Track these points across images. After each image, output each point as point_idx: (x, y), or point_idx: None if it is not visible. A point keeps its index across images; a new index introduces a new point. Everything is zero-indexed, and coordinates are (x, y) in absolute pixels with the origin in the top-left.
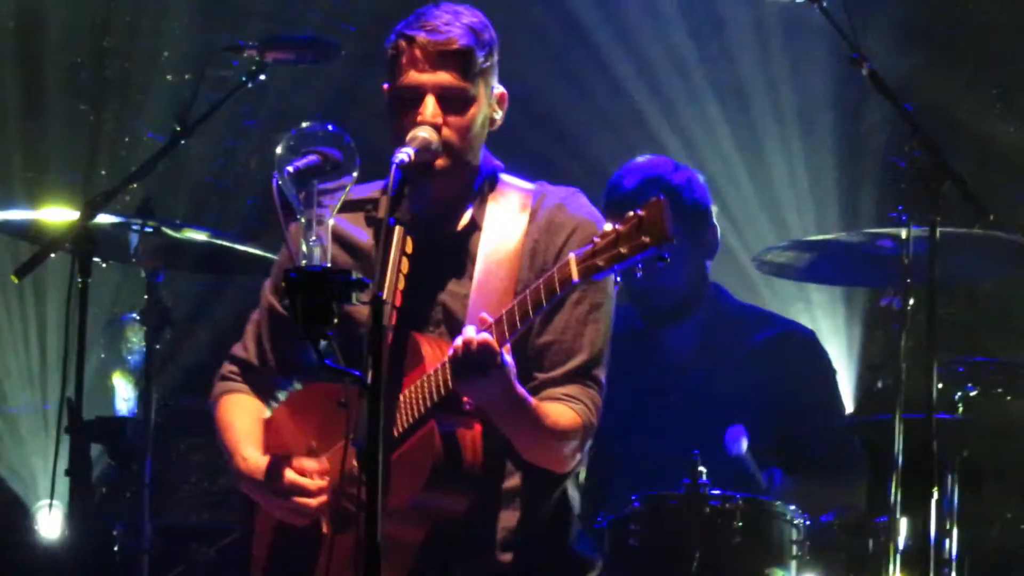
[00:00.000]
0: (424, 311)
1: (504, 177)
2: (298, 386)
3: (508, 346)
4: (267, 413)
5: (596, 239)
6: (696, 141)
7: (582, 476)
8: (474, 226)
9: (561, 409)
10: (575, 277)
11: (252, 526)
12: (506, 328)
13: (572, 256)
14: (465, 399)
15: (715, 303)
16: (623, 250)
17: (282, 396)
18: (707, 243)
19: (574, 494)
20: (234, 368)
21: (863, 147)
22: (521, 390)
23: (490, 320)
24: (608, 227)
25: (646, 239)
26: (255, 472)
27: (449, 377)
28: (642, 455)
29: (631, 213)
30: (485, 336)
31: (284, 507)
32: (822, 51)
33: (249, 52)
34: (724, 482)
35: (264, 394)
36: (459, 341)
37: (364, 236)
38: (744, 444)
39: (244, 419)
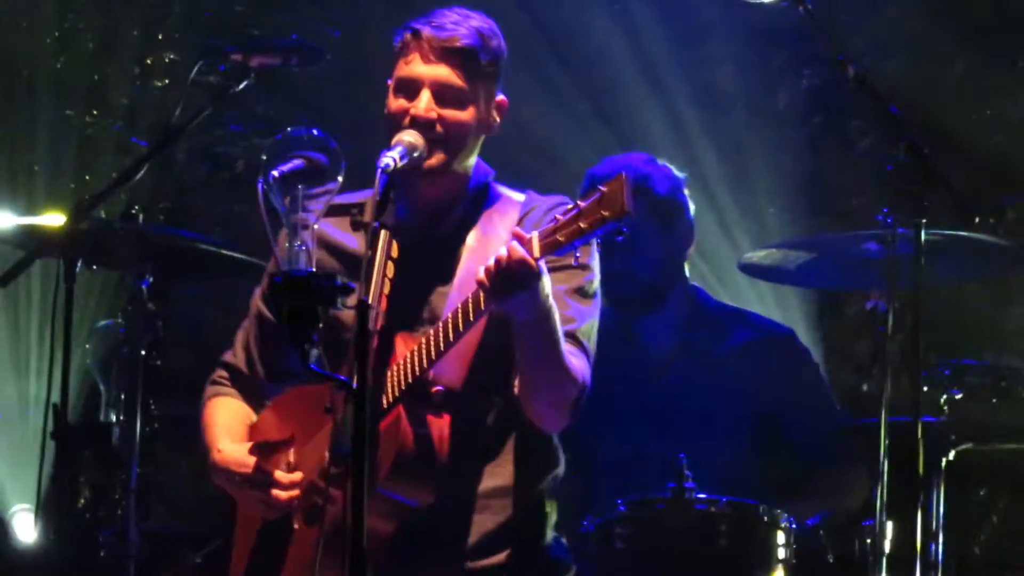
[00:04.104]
0: (412, 312)
1: (495, 185)
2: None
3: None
4: (254, 418)
5: (559, 216)
6: (682, 144)
7: (559, 477)
8: (464, 230)
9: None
10: (537, 254)
11: (233, 523)
12: (469, 308)
13: (535, 233)
14: (434, 390)
15: (693, 302)
16: (583, 225)
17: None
18: (678, 235)
19: (551, 498)
20: (224, 374)
21: (849, 150)
22: (553, 304)
23: (526, 236)
24: (570, 205)
25: (605, 213)
26: (228, 463)
27: (482, 301)
28: (626, 457)
29: (594, 189)
30: (519, 250)
31: (255, 498)
32: (809, 53)
33: (234, 57)
34: (710, 484)
35: (253, 400)
36: (491, 260)
37: (351, 241)
38: None
39: (226, 417)
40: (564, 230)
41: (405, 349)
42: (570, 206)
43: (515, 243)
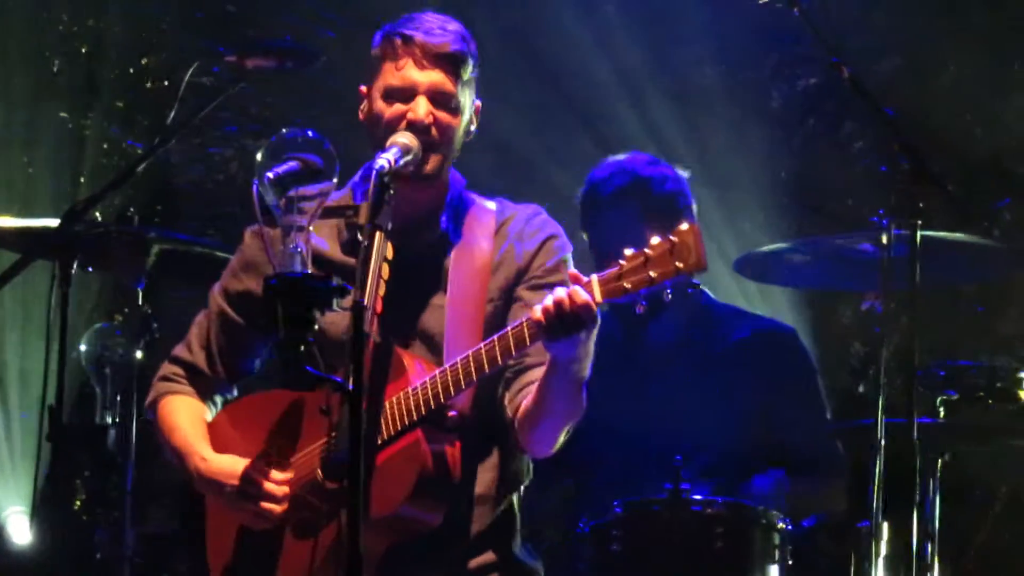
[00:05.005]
0: (397, 322)
1: (467, 192)
2: (235, 393)
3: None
4: (209, 417)
5: (622, 262)
6: (675, 145)
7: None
8: (446, 239)
9: None
10: (599, 299)
11: (200, 527)
12: (511, 343)
13: (595, 277)
14: (450, 414)
15: (695, 302)
16: (653, 274)
17: (220, 402)
18: None
19: (518, 504)
20: (178, 370)
21: (843, 151)
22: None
23: (584, 279)
24: (629, 251)
25: (679, 264)
26: (217, 474)
27: (527, 336)
28: (623, 457)
29: (658, 239)
30: (582, 295)
31: (248, 510)
32: (804, 55)
33: (229, 59)
34: (706, 485)
35: (207, 399)
36: (549, 301)
37: (324, 244)
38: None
39: (192, 420)
40: (630, 277)
41: (414, 368)
42: (629, 252)
43: (577, 288)
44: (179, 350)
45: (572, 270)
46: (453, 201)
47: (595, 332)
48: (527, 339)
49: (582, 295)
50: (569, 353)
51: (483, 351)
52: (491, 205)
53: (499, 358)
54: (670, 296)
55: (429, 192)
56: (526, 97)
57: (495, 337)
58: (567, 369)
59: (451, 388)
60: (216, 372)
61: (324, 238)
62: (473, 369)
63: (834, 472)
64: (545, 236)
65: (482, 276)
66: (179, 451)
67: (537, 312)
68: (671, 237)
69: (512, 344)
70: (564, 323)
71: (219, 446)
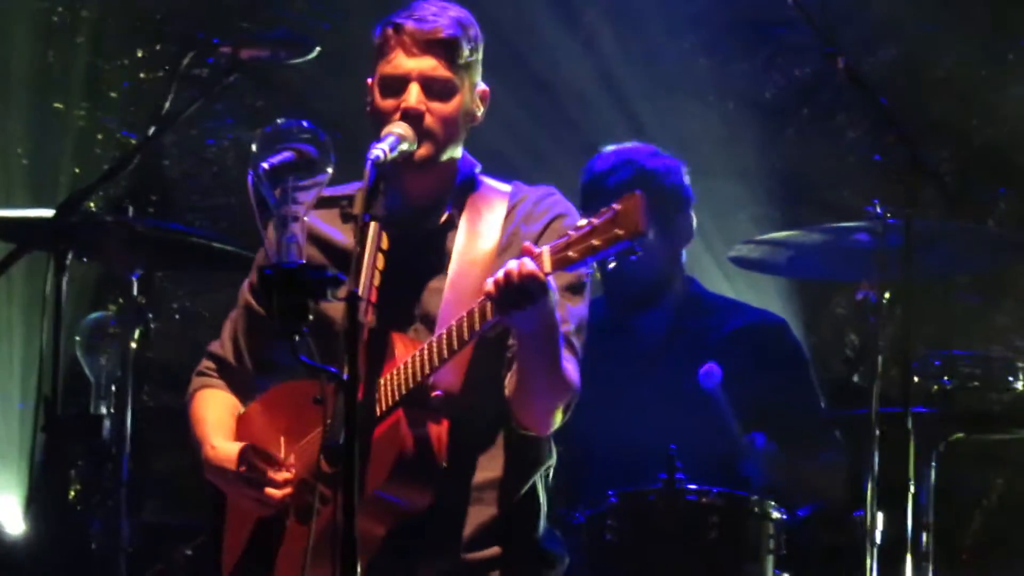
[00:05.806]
0: (400, 307)
1: (481, 177)
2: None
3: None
4: (241, 409)
5: (571, 232)
6: (671, 134)
7: (551, 469)
8: (452, 224)
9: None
10: (547, 269)
11: (221, 518)
12: (476, 318)
13: (546, 248)
14: (433, 394)
15: (686, 293)
16: (596, 242)
17: (257, 395)
18: (678, 231)
19: (542, 490)
20: (211, 364)
21: (837, 141)
22: (557, 317)
23: (536, 250)
24: (583, 221)
25: (619, 232)
26: (223, 461)
27: (488, 312)
28: (617, 447)
29: (607, 207)
30: (529, 265)
31: (249, 497)
32: (798, 44)
33: (223, 50)
34: (701, 475)
35: (240, 392)
36: (500, 273)
37: (337, 234)
38: (717, 378)
39: (216, 411)
40: (576, 246)
41: (403, 349)
42: (583, 222)
43: (526, 258)
44: (213, 344)
45: (527, 243)
46: (460, 186)
47: (548, 304)
48: (488, 313)
49: (529, 266)
50: (526, 326)
51: (453, 327)
52: (505, 188)
53: (465, 333)
54: (612, 266)
55: (432, 178)
56: (516, 93)
57: (464, 313)
58: (532, 343)
59: (427, 366)
60: (243, 364)
61: (334, 225)
62: (445, 346)
63: (833, 457)
64: (552, 216)
65: (487, 259)
66: (197, 442)
67: (489, 284)
68: (615, 205)
69: (477, 319)
70: (512, 294)
71: (245, 435)
